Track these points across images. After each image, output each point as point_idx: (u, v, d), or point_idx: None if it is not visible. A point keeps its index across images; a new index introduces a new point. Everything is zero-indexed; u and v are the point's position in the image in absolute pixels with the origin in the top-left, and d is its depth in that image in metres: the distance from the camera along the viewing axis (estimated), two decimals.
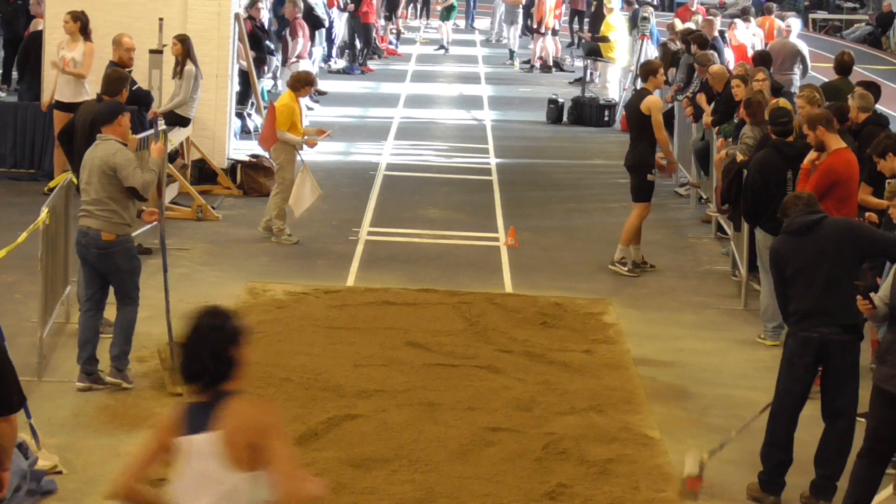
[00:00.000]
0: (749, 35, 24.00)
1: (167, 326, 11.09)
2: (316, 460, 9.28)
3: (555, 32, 32.23)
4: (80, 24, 16.17)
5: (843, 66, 16.68)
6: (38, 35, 18.36)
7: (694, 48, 19.77)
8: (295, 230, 15.86)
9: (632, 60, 25.34)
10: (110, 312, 11.27)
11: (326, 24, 26.17)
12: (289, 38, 22.08)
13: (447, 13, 36.15)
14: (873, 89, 14.65)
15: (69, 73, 16.10)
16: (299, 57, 21.71)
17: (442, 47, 35.12)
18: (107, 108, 10.82)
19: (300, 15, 22.22)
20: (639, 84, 24.34)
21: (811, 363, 8.96)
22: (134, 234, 11.07)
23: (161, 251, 11.46)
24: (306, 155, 15.85)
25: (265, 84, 22.18)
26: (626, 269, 14.57)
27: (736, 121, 15.56)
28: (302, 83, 15.66)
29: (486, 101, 27.21)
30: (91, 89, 15.47)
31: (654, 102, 14.53)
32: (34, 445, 8.89)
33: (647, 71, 14.95)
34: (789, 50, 21.33)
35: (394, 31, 35.47)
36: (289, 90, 15.65)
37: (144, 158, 11.65)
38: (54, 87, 16.50)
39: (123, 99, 11.62)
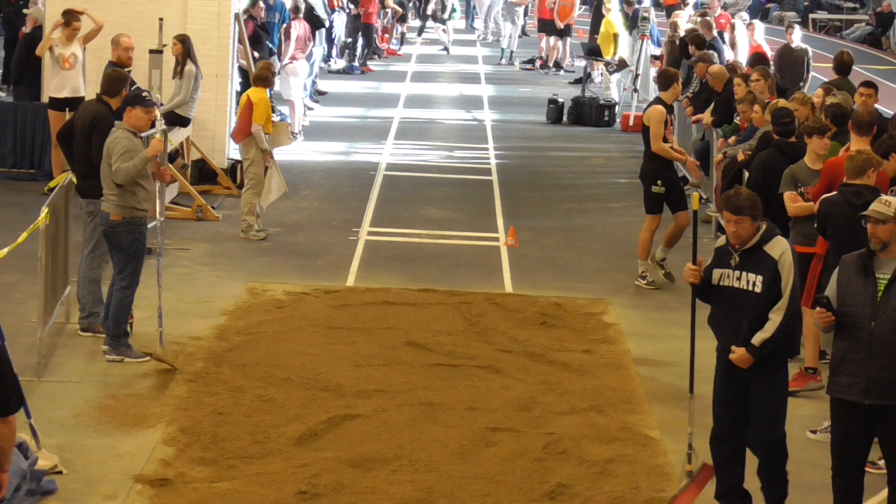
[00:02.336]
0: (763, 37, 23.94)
1: (158, 316, 11.23)
2: (316, 460, 9.28)
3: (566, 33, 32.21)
4: (72, 25, 16.39)
5: (843, 65, 16.68)
6: (36, 35, 18.34)
7: (692, 48, 19.78)
8: (295, 230, 15.88)
9: (632, 60, 25.35)
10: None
11: (326, 25, 26.16)
12: (282, 39, 22.05)
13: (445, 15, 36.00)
14: (876, 90, 14.67)
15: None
16: (293, 58, 21.66)
17: (445, 48, 35.02)
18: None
19: (301, 16, 22.21)
20: (639, 84, 24.53)
21: None
22: None
23: (157, 242, 11.62)
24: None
25: None
26: (645, 282, 14.13)
27: (736, 120, 15.56)
28: (273, 75, 15.90)
29: (486, 101, 27.21)
30: (90, 89, 15.47)
31: (653, 113, 14.10)
32: (34, 445, 8.88)
33: (665, 80, 14.33)
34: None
35: (397, 35, 35.43)
36: (260, 87, 15.59)
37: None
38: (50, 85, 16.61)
39: (122, 99, 11.63)
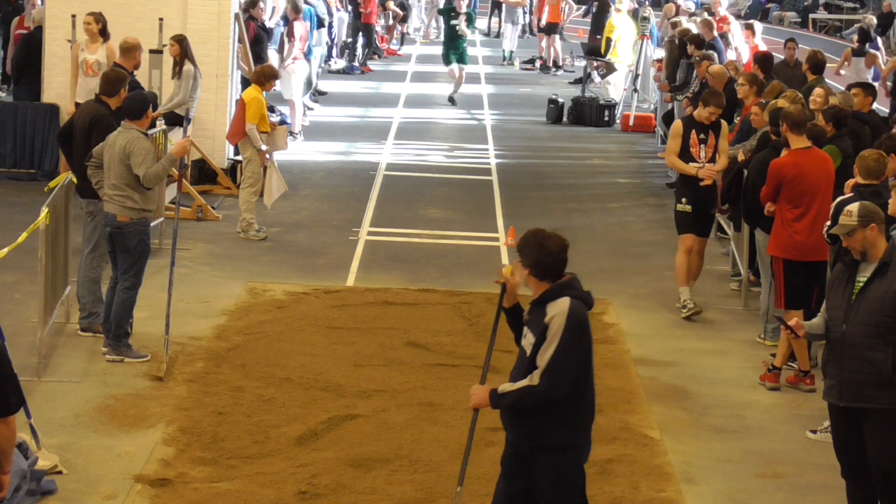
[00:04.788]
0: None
1: (166, 320, 11.16)
2: (316, 460, 9.28)
3: (556, 31, 32.22)
4: (102, 26, 16.06)
5: (817, 64, 16.66)
6: (36, 35, 18.32)
7: (691, 48, 19.76)
8: (295, 230, 15.88)
9: (633, 61, 25.35)
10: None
11: (327, 24, 26.15)
12: (286, 39, 22.05)
13: (453, 49, 26.80)
14: (871, 90, 14.66)
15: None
16: (294, 58, 21.66)
17: (451, 98, 26.72)
18: (135, 103, 11.24)
19: (300, 16, 22.22)
20: (639, 84, 24.53)
21: None
22: None
23: (172, 248, 11.53)
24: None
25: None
26: (686, 311, 13.08)
27: (735, 120, 15.55)
28: (266, 77, 15.71)
29: (486, 101, 27.20)
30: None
31: (672, 126, 13.52)
32: (34, 445, 8.88)
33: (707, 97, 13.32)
34: None
35: (398, 35, 35.42)
36: (254, 84, 15.63)
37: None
38: (74, 91, 16.38)
39: (121, 99, 11.62)
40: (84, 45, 16.18)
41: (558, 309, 7.02)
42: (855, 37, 26.77)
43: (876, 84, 19.28)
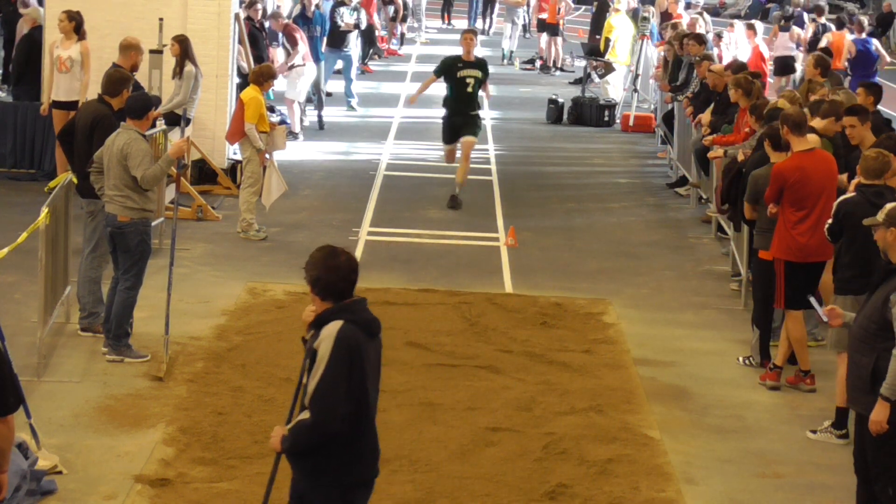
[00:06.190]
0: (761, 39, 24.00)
1: (165, 320, 11.16)
2: None
3: (558, 32, 32.18)
4: (75, 24, 16.13)
5: (823, 65, 16.66)
6: (36, 35, 18.31)
7: (693, 47, 19.75)
8: (295, 230, 15.87)
9: (632, 61, 25.34)
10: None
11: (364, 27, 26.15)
12: (288, 47, 21.96)
13: (458, 117, 17.23)
14: (875, 90, 14.63)
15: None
16: (302, 60, 21.62)
17: (454, 200, 17.49)
18: (139, 103, 11.24)
19: (288, 20, 22.20)
20: (639, 84, 24.51)
21: None
22: None
23: (171, 248, 11.52)
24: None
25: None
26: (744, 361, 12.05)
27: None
28: (264, 77, 15.71)
29: (486, 101, 27.14)
30: (91, 89, 15.44)
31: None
32: (34, 445, 8.88)
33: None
34: None
35: (397, 35, 35.40)
36: (252, 84, 15.63)
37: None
38: (50, 88, 16.48)
39: (123, 100, 11.62)
40: (59, 41, 16.29)
41: (327, 333, 6.55)
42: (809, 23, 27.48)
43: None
